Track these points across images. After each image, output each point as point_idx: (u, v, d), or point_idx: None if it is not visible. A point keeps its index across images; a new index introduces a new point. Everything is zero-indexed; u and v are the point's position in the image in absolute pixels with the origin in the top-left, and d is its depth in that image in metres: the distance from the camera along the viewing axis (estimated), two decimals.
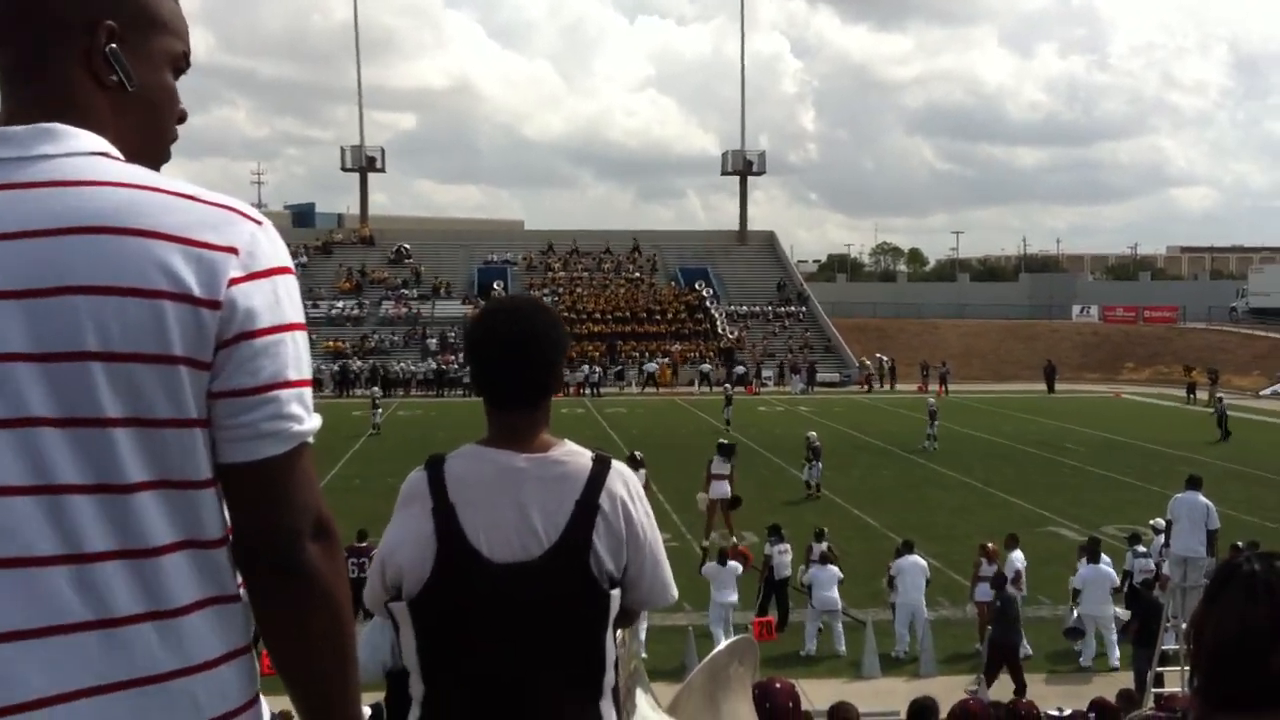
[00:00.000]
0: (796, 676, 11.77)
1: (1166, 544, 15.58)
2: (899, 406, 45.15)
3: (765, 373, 55.24)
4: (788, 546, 16.34)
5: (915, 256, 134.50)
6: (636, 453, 22.03)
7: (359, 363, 53.71)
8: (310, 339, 1.63)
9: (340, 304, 60.08)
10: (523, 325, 2.40)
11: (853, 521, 23.01)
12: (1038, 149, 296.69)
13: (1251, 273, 75.68)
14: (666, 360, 55.64)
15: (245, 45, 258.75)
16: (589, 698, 2.34)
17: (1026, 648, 14.39)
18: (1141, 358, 61.41)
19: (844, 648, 15.09)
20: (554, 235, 69.50)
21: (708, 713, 3.34)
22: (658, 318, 59.77)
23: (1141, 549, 16.61)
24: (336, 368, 52.13)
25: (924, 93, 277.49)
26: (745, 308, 62.52)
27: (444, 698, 2.35)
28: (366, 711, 1.95)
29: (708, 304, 61.47)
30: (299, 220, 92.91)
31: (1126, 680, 13.09)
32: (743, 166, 72.56)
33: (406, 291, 62.16)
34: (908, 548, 15.61)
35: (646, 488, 20.98)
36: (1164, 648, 12.00)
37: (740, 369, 53.95)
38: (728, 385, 44.57)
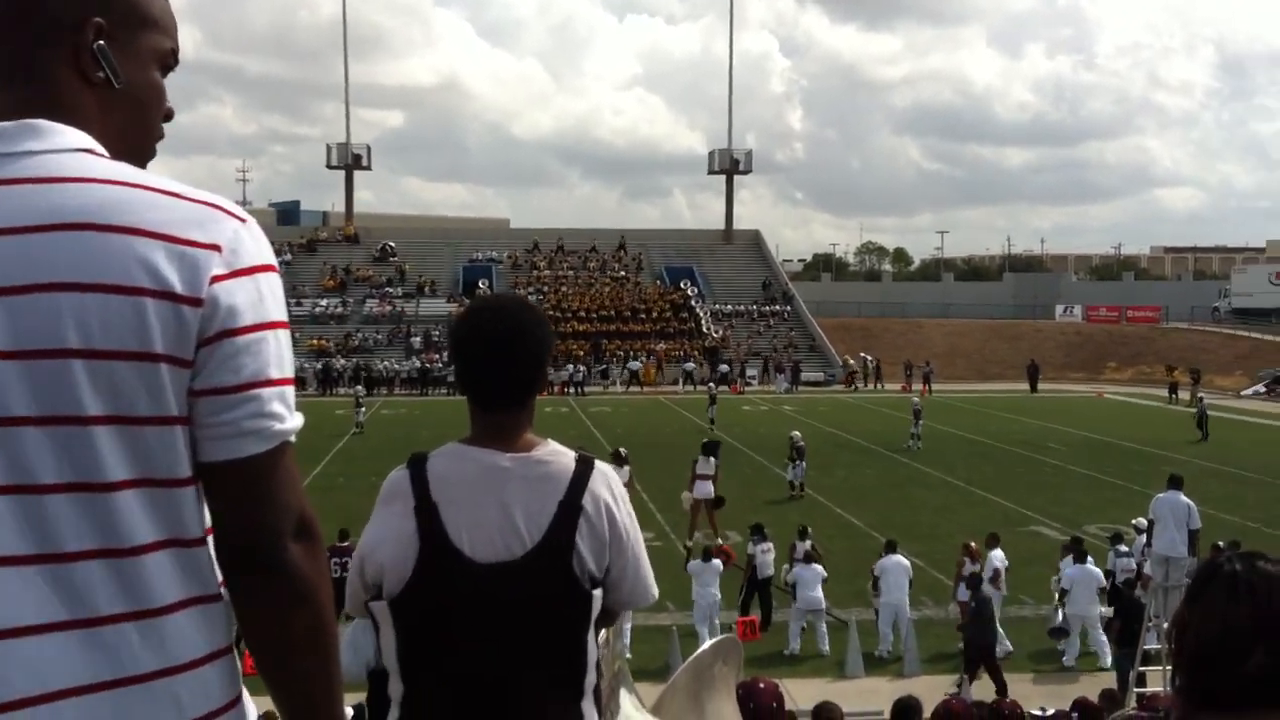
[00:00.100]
0: (780, 676, 11.79)
1: (1148, 543, 15.65)
2: (882, 406, 45.24)
3: (750, 372, 55.29)
4: (770, 545, 16.36)
5: (900, 256, 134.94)
6: (621, 450, 22.04)
7: (342, 361, 53.56)
8: (294, 337, 1.62)
9: (324, 302, 59.91)
10: (508, 324, 2.40)
11: (836, 520, 23.05)
12: (1024, 149, 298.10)
13: (1234, 273, 76.07)
14: (651, 359, 55.64)
15: (232, 41, 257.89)
16: (571, 698, 2.34)
17: (1006, 645, 14.43)
18: (1124, 358, 61.67)
19: (827, 647, 15.12)
20: (540, 234, 69.44)
21: (692, 713, 3.34)
22: (643, 316, 59.77)
23: (1123, 548, 16.69)
24: (320, 366, 51.97)
25: (912, 92, 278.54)
26: (730, 307, 62.57)
27: (424, 698, 2.34)
28: (349, 712, 1.94)
29: (693, 303, 61.48)
30: (284, 218, 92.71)
31: (1110, 680, 13.14)
32: (729, 165, 72.62)
33: (391, 290, 62.03)
34: (891, 548, 15.65)
35: (630, 485, 21.06)
36: (1146, 647, 12.04)
37: (724, 368, 53.99)
38: (712, 384, 44.59)
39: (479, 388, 2.41)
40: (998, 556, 15.63)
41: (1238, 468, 29.43)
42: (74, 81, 1.52)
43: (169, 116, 1.66)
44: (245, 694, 1.60)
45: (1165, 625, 11.08)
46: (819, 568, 15.42)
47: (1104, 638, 14.62)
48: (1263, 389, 51.76)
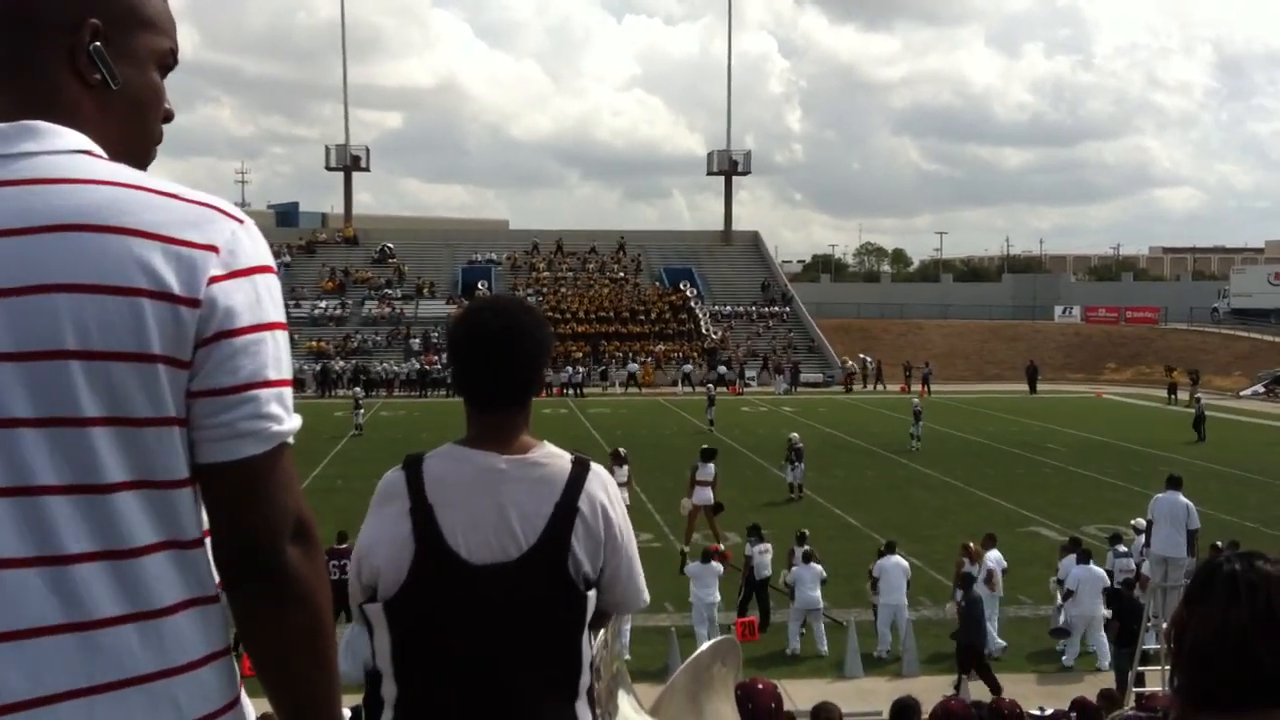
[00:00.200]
0: (779, 677, 11.80)
1: (1147, 544, 15.64)
2: (882, 407, 45.26)
3: (749, 373, 55.29)
4: (768, 546, 16.36)
5: (899, 257, 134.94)
6: (620, 450, 22.04)
7: (341, 363, 53.55)
8: (292, 339, 1.63)
9: (323, 304, 59.89)
10: (506, 324, 2.39)
11: (835, 521, 23.05)
12: (1023, 149, 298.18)
13: (1233, 273, 76.10)
14: (650, 360, 55.64)
15: (230, 43, 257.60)
16: (566, 699, 2.34)
17: (994, 641, 14.43)
18: (1123, 358, 61.70)
19: (825, 647, 15.13)
20: (539, 235, 69.45)
21: (690, 714, 3.34)
22: (642, 318, 59.76)
23: (1122, 549, 16.70)
24: (318, 368, 51.95)
25: (910, 93, 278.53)
26: (729, 308, 62.58)
27: (419, 700, 2.33)
28: (347, 714, 1.94)
29: (692, 304, 61.49)
30: (282, 220, 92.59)
31: (1109, 680, 13.15)
32: (728, 166, 72.63)
33: (390, 291, 62.02)
34: (890, 548, 15.65)
35: (629, 485, 21.03)
36: (1145, 647, 12.05)
37: (723, 369, 53.98)
38: (710, 385, 44.61)
39: (476, 389, 2.41)
40: (992, 557, 15.62)
41: (1237, 468, 29.46)
42: (71, 83, 1.52)
43: (169, 118, 1.66)
44: (244, 696, 1.59)
45: (1164, 625, 11.09)
46: (818, 567, 15.42)
47: (1104, 638, 14.62)
48: (1262, 389, 51.81)
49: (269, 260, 1.54)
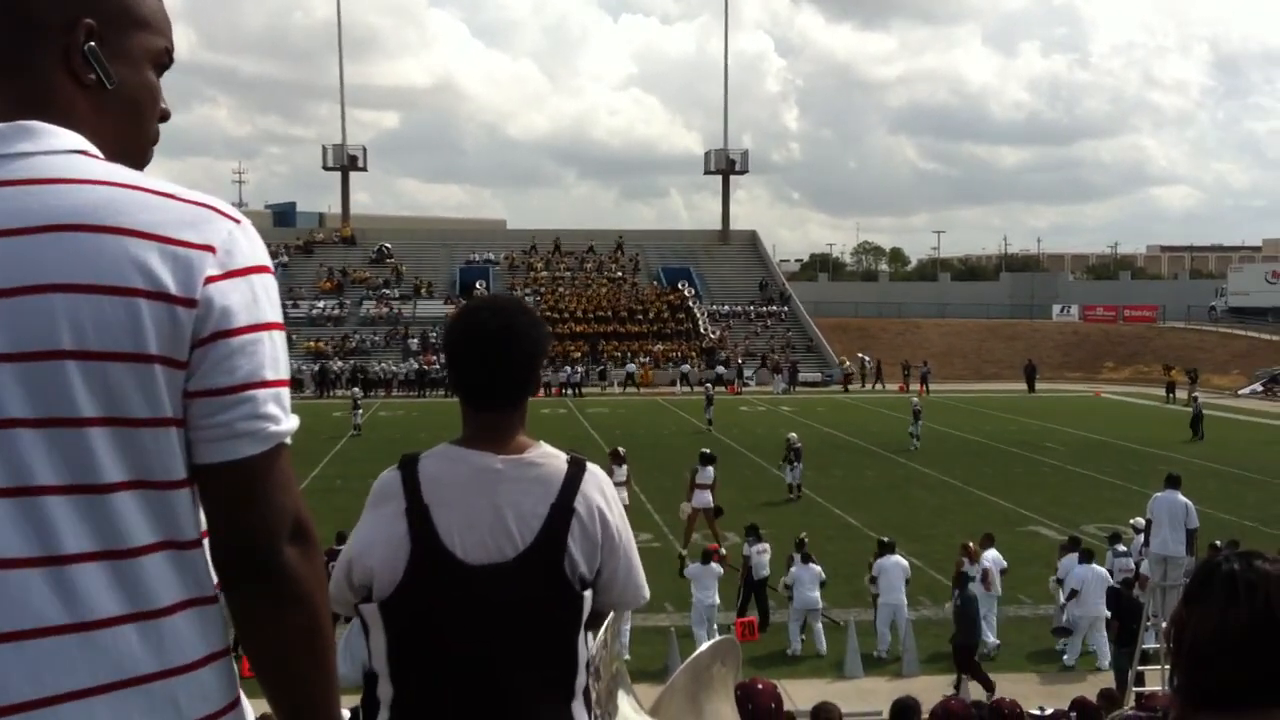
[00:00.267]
0: (779, 677, 11.80)
1: (1146, 543, 15.63)
2: (880, 406, 45.28)
3: (747, 372, 55.29)
4: (766, 546, 16.34)
5: (897, 256, 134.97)
6: (620, 449, 22.03)
7: (339, 363, 53.53)
8: (290, 339, 1.62)
9: (321, 304, 59.87)
10: (503, 324, 2.39)
11: (834, 521, 23.05)
12: (1020, 148, 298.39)
13: (1231, 272, 76.13)
14: (648, 360, 55.64)
15: (227, 42, 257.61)
16: (562, 699, 2.33)
17: (989, 640, 14.42)
18: (1121, 357, 61.72)
19: (824, 646, 15.12)
20: (537, 234, 69.42)
21: (690, 714, 3.34)
22: (640, 317, 59.76)
23: (1121, 548, 16.70)
24: (316, 368, 51.93)
25: (907, 92, 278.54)
26: (727, 307, 62.60)
27: (415, 700, 2.33)
28: (346, 715, 1.94)
29: (690, 303, 61.49)
30: (280, 220, 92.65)
31: (1108, 679, 13.15)
32: (726, 166, 72.61)
33: (388, 291, 62.01)
34: (889, 547, 15.63)
35: (628, 485, 20.96)
36: (1144, 647, 12.05)
37: (721, 369, 53.99)
38: (709, 385, 44.61)
39: (472, 388, 2.41)
40: (989, 557, 15.59)
41: (1235, 467, 29.47)
42: (66, 83, 1.51)
43: (165, 117, 1.66)
44: (243, 697, 1.59)
45: (1163, 625, 11.10)
46: (816, 568, 15.41)
47: (1104, 637, 14.62)
48: (1259, 388, 51.84)
49: (266, 260, 1.53)
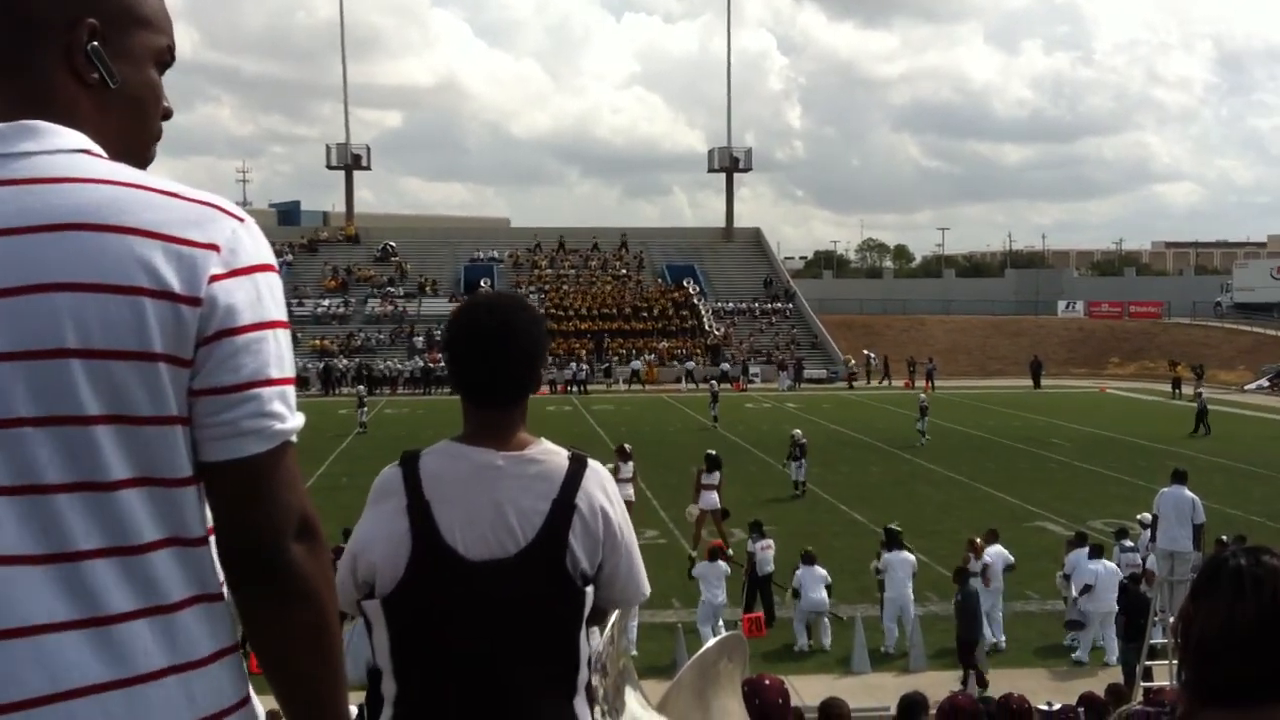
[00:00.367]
0: (786, 673, 11.78)
1: (1152, 538, 15.61)
2: (886, 402, 45.26)
3: (752, 369, 55.28)
4: (770, 542, 16.32)
5: (901, 253, 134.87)
6: (625, 445, 22.03)
7: (344, 361, 53.57)
8: (296, 338, 1.63)
9: (326, 302, 59.95)
10: (503, 321, 2.39)
11: (840, 517, 23.05)
12: (1023, 145, 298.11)
13: (1236, 268, 76.00)
14: (653, 357, 55.64)
15: (229, 42, 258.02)
16: (564, 695, 2.34)
17: (987, 636, 14.41)
18: (1127, 353, 61.64)
19: (829, 641, 15.09)
20: (541, 233, 69.48)
21: (697, 710, 3.34)
22: (644, 315, 59.77)
23: (1128, 543, 16.66)
24: (321, 366, 51.97)
25: (910, 89, 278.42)
26: (732, 304, 62.58)
27: (418, 696, 2.33)
28: (354, 711, 1.94)
29: (694, 301, 61.47)
30: (284, 218, 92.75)
31: (1116, 675, 13.13)
32: (729, 163, 72.60)
33: (392, 289, 62.06)
34: (896, 537, 15.58)
35: (634, 481, 20.89)
36: (1152, 642, 12.04)
37: (726, 366, 53.98)
38: (714, 382, 44.58)
39: (473, 385, 2.41)
40: (993, 552, 15.52)
41: (1241, 462, 29.42)
42: (69, 83, 1.51)
43: (167, 115, 1.66)
44: (253, 694, 1.59)
45: (1171, 620, 11.08)
46: (821, 571, 15.32)
47: (1113, 632, 14.59)
48: (1265, 383, 51.75)
49: (270, 258, 1.53)
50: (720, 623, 14.82)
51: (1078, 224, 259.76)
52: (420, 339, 55.88)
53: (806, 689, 11.85)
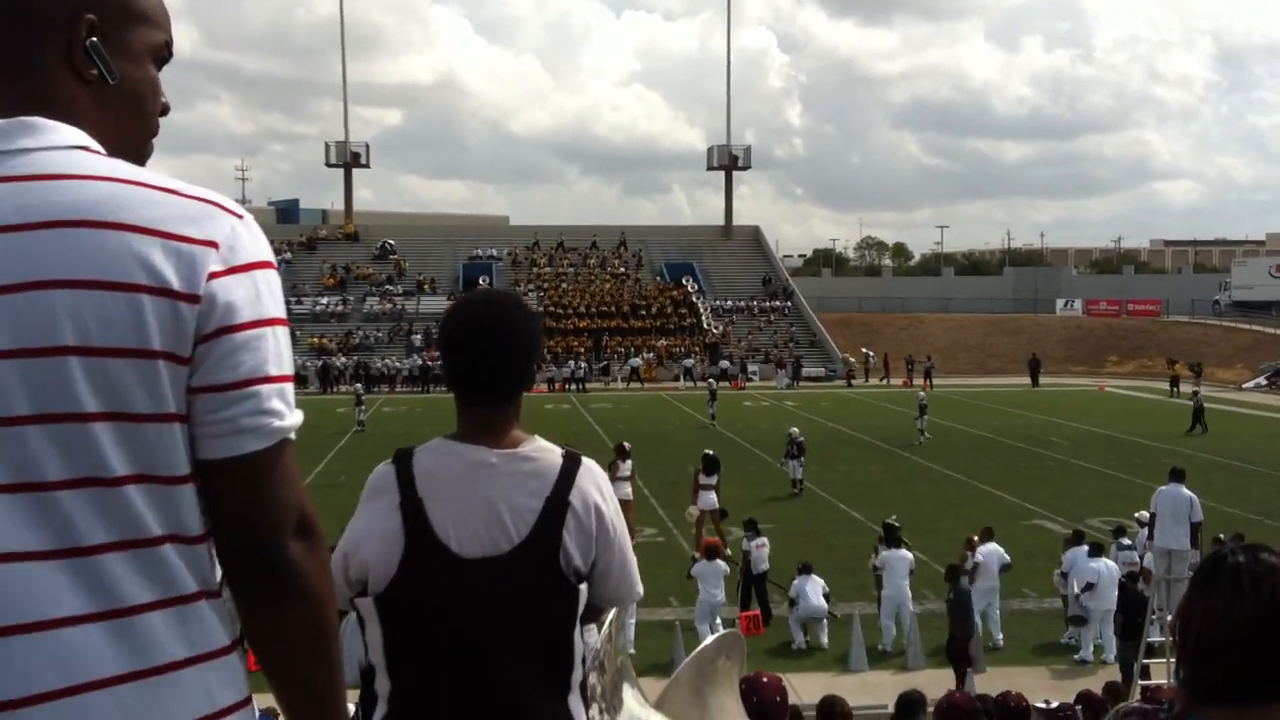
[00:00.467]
0: (784, 670, 11.79)
1: (1150, 537, 15.62)
2: (884, 401, 45.27)
3: (751, 367, 55.28)
4: (764, 540, 16.30)
5: (900, 251, 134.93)
6: (625, 444, 22.03)
7: (343, 359, 53.56)
8: (294, 335, 1.63)
9: (324, 300, 59.94)
10: (498, 319, 2.39)
11: (839, 516, 23.05)
12: (1023, 143, 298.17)
13: (1235, 266, 76.04)
14: (651, 355, 55.63)
15: (229, 40, 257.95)
16: (558, 692, 2.34)
17: (978, 634, 14.40)
18: (1125, 351, 61.67)
19: (827, 639, 15.08)
20: (540, 230, 69.47)
21: (695, 707, 3.34)
22: (643, 313, 59.77)
23: (1126, 542, 16.66)
24: (320, 364, 51.96)
25: (910, 87, 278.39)
26: (731, 302, 62.58)
27: (411, 693, 2.33)
28: (352, 709, 1.94)
29: (693, 299, 61.47)
30: (283, 216, 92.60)
31: (1114, 673, 13.13)
32: (729, 161, 72.58)
33: (391, 287, 62.03)
34: (894, 533, 15.56)
35: (632, 479, 20.84)
36: (1149, 640, 12.04)
37: (725, 364, 53.97)
38: (712, 380, 44.56)
39: (466, 382, 2.41)
40: (985, 550, 15.44)
41: (1239, 460, 29.44)
42: (68, 79, 1.51)
43: (165, 111, 1.66)
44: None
45: (1168, 618, 11.09)
46: (819, 580, 15.26)
47: (1109, 630, 14.60)
48: (1264, 381, 51.76)
49: (269, 255, 1.53)
50: (718, 621, 14.82)
51: (1077, 222, 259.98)
52: (419, 337, 55.87)
53: (804, 687, 11.86)
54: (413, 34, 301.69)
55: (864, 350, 57.12)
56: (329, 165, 71.93)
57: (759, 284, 64.99)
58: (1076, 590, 14.86)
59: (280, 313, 1.53)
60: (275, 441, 1.51)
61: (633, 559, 2.46)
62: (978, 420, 38.72)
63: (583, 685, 2.40)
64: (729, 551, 16.87)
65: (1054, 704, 9.04)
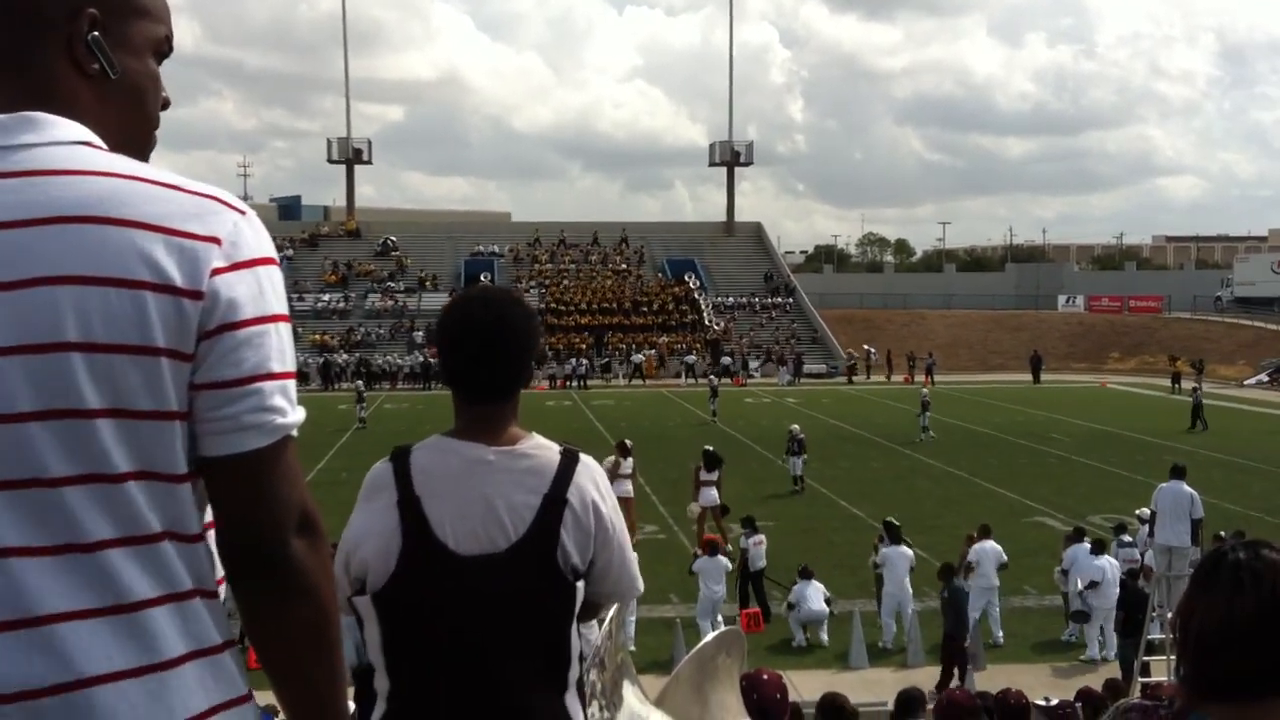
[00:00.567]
0: (784, 668, 11.79)
1: (1151, 534, 15.60)
2: (885, 397, 45.25)
3: (752, 364, 55.27)
4: (762, 538, 16.30)
5: (902, 247, 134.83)
6: (626, 441, 22.03)
7: (344, 356, 53.56)
8: (296, 332, 1.62)
9: (326, 297, 59.92)
10: (496, 316, 2.38)
11: (840, 512, 23.05)
12: (1025, 139, 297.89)
13: (1237, 262, 75.90)
14: (653, 352, 55.62)
15: (231, 36, 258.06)
16: (555, 690, 2.33)
17: (975, 632, 14.39)
18: (1127, 347, 61.62)
19: (827, 637, 15.08)
20: (541, 227, 69.40)
21: (695, 704, 3.34)
22: (645, 309, 59.73)
23: (1126, 539, 16.66)
24: (321, 361, 51.96)
25: (912, 83, 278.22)
26: (732, 299, 62.55)
27: (410, 691, 2.33)
28: (352, 706, 1.95)
29: (695, 295, 61.45)
30: (285, 213, 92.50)
31: (1114, 670, 13.14)
32: (730, 157, 72.50)
33: (393, 284, 62.00)
34: (895, 531, 15.55)
35: (633, 477, 20.82)
36: (1150, 637, 12.04)
37: (726, 360, 53.96)
38: (713, 377, 44.52)
39: (465, 380, 2.40)
40: (980, 548, 15.39)
41: (1240, 457, 29.42)
42: (69, 74, 1.51)
43: (166, 105, 1.66)
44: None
45: (1169, 615, 11.09)
46: (819, 585, 15.24)
47: (1110, 627, 14.59)
48: (1265, 378, 51.69)
49: (271, 252, 1.53)
50: (719, 617, 14.82)
51: (1079, 218, 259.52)
52: (420, 334, 55.82)
53: (804, 684, 11.86)
54: (414, 30, 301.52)
55: (866, 347, 57.07)
56: (331, 161, 71.86)
57: (761, 280, 64.96)
58: (1080, 587, 14.85)
59: (283, 309, 1.53)
60: (278, 439, 1.51)
61: (632, 556, 2.46)
62: (979, 417, 38.70)
63: (580, 683, 2.40)
64: (730, 548, 16.88)
65: (1054, 701, 9.05)
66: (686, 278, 63.06)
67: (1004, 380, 53.43)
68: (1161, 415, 39.40)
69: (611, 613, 2.66)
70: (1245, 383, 51.50)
